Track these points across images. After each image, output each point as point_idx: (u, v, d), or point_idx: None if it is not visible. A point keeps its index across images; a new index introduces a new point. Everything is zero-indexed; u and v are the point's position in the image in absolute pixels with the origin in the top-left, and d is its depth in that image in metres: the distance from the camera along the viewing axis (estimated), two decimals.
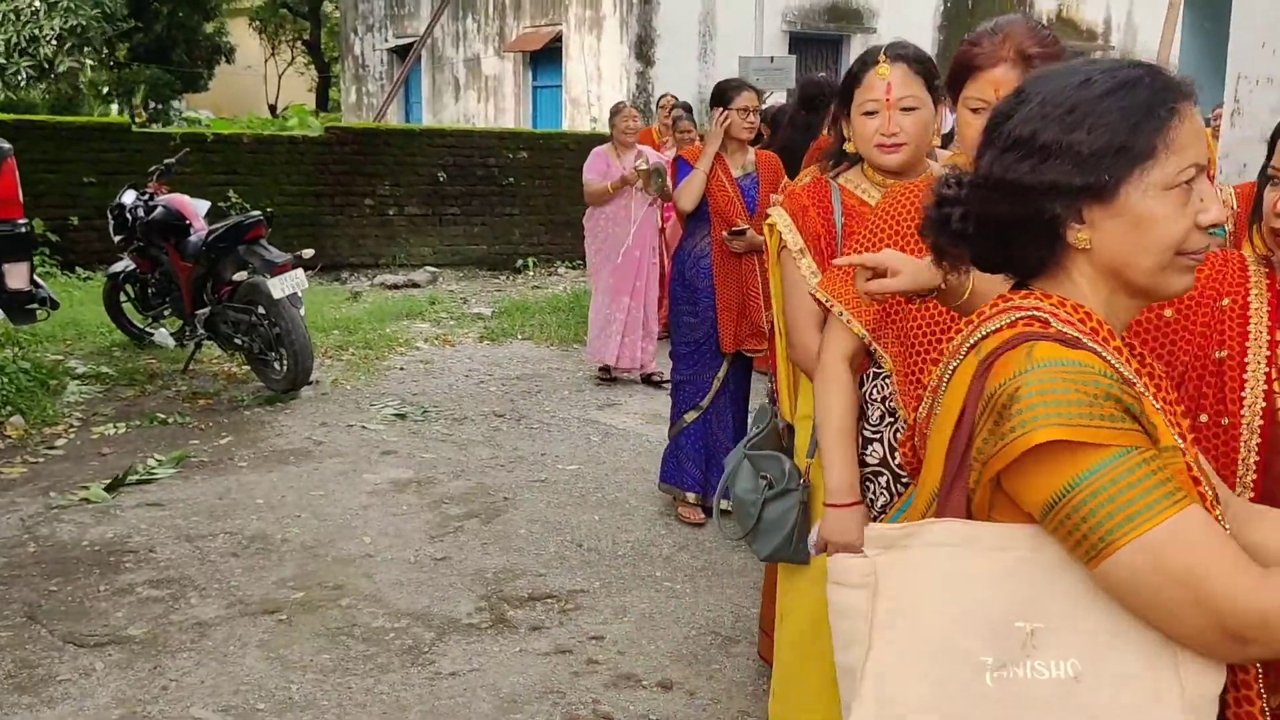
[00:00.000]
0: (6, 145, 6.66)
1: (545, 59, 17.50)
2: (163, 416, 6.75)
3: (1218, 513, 1.32)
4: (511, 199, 13.48)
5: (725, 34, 15.57)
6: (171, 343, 8.25)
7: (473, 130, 14.84)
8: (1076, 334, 1.31)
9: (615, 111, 8.00)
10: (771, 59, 12.93)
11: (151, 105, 23.96)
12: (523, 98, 18.14)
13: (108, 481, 5.55)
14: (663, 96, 10.54)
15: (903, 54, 2.75)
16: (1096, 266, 1.37)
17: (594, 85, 15.92)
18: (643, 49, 15.54)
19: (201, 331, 7.56)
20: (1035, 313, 1.35)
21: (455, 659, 3.95)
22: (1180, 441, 1.33)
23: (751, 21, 12.86)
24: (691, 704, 3.70)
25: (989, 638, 1.30)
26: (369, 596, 4.44)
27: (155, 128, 14.51)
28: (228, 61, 28.69)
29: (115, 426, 6.56)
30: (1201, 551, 1.20)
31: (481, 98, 19.17)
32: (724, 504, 5.26)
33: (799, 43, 16.76)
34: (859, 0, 17.41)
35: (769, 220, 3.01)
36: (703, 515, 5.30)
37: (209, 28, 27.91)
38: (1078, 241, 1.35)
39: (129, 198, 8.15)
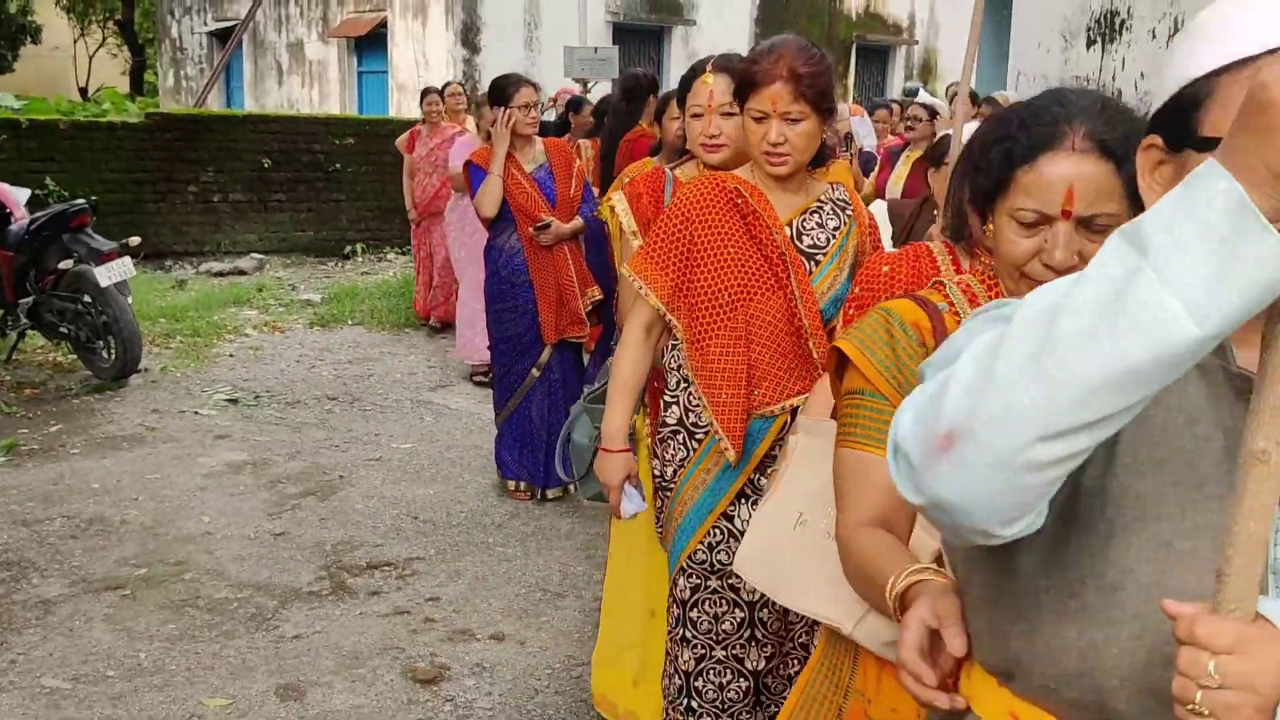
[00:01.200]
0: None
1: (370, 45, 17.47)
2: None
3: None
4: (338, 185, 13.49)
5: (550, 23, 15.85)
6: None
7: (298, 116, 14.77)
8: (928, 296, 1.73)
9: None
10: (595, 50, 13.25)
11: None
12: (348, 83, 18.06)
13: None
14: (448, 84, 10.30)
15: (726, 66, 3.21)
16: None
17: (421, 72, 15.98)
18: (469, 36, 15.70)
19: (25, 321, 7.49)
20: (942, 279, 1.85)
21: (298, 623, 4.19)
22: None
23: (576, 11, 13.13)
24: (522, 651, 4.02)
25: (806, 501, 1.92)
26: (211, 571, 4.62)
27: None
28: (34, 42, 27.51)
29: None
30: (849, 484, 1.62)
31: (306, 83, 18.99)
32: (550, 492, 5.57)
33: (622, 33, 17.17)
34: None
35: (609, 202, 3.42)
36: (528, 496, 5.57)
37: (12, 6, 26.72)
38: (985, 236, 1.72)
39: None
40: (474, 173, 5.54)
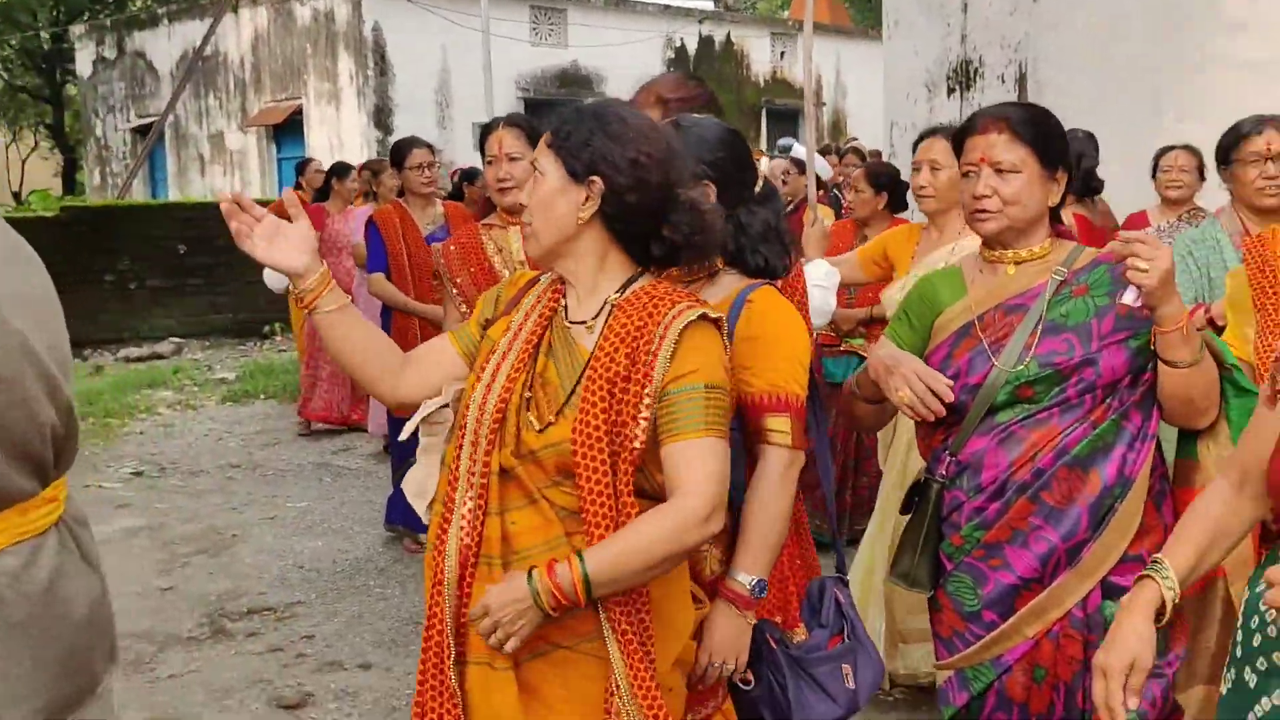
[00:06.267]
0: None
1: (288, 131, 17.84)
2: None
3: None
4: (255, 267, 13.63)
5: (461, 101, 16.31)
6: None
7: (212, 202, 15.01)
8: None
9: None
10: None
11: None
12: (268, 170, 18.39)
13: None
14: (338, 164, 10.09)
15: (514, 121, 3.57)
16: None
17: (337, 154, 16.33)
18: (381, 118, 16.11)
19: None
20: None
21: (174, 665, 4.38)
22: None
23: (486, 88, 13.59)
24: (387, 677, 4.25)
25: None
26: None
27: None
28: None
29: None
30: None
31: (227, 172, 19.30)
32: None
33: (533, 107, 17.65)
34: (588, 66, 18.47)
35: None
36: (419, 548, 5.75)
37: None
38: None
39: None
40: (371, 233, 5.75)
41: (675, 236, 2.00)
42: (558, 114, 2.08)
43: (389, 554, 5.68)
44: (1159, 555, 1.87)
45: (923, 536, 2.40)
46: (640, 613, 1.92)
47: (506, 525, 1.96)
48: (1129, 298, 2.11)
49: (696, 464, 1.90)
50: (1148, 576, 1.85)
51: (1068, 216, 5.15)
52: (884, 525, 3.81)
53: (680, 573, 2.04)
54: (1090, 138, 5.30)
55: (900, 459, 3.76)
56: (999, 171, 2.31)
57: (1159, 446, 2.33)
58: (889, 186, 5.25)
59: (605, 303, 2.02)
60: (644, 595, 1.93)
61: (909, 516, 2.46)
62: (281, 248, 2.13)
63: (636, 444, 1.90)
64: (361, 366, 2.17)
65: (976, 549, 2.32)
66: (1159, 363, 2.20)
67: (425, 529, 5.63)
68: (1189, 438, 2.35)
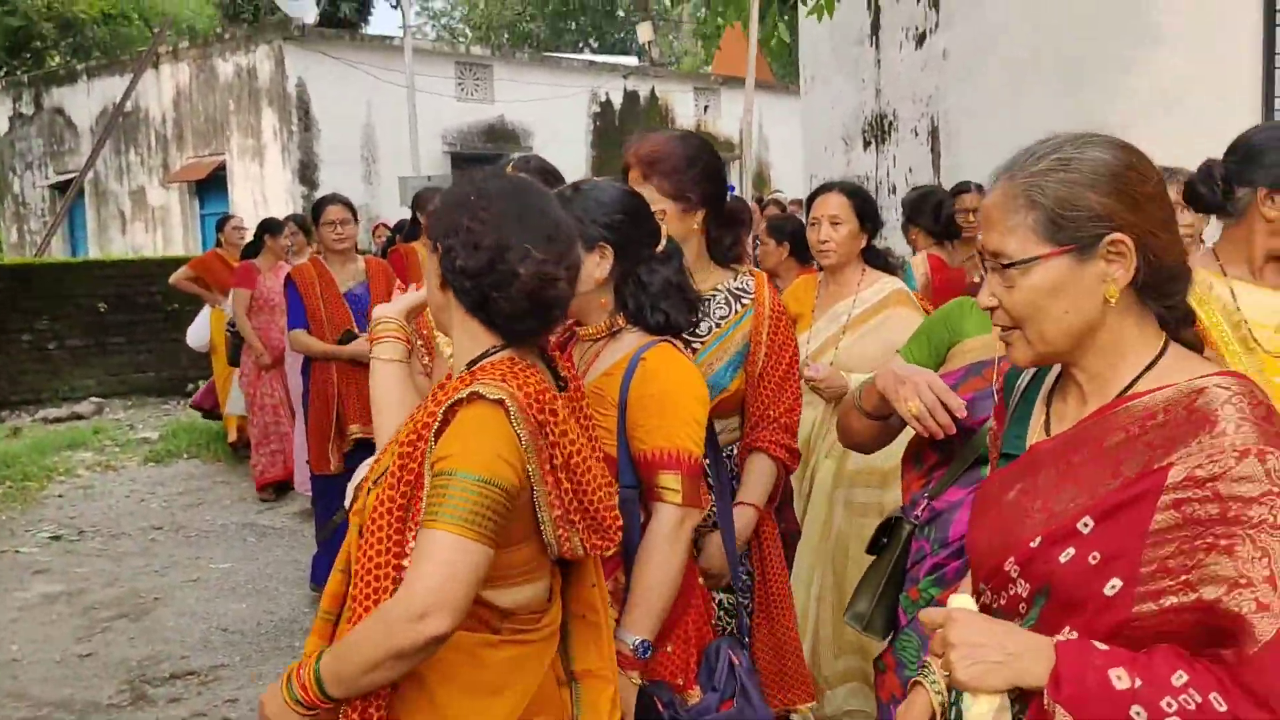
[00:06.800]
0: None
1: (211, 187, 17.71)
2: None
3: None
4: (178, 325, 13.53)
5: (387, 155, 16.33)
6: None
7: (133, 259, 14.86)
8: None
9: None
10: (429, 179, 13.72)
11: None
12: (191, 226, 18.22)
13: None
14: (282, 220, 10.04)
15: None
16: None
17: (261, 210, 16.25)
18: (306, 173, 16.06)
19: None
20: None
21: None
22: None
23: (410, 144, 13.62)
24: None
25: None
26: (13, 694, 4.70)
27: None
28: None
29: None
30: None
31: (150, 228, 19.08)
32: None
33: (461, 161, 17.72)
34: (514, 121, 18.60)
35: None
36: None
37: None
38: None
39: None
40: (290, 290, 5.77)
41: (506, 303, 1.88)
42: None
43: (314, 614, 5.60)
44: (927, 658, 1.71)
45: (884, 580, 2.37)
46: (377, 713, 1.81)
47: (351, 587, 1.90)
48: None
49: (420, 559, 1.75)
50: (918, 683, 1.70)
51: (922, 257, 5.33)
52: (806, 585, 3.70)
53: (479, 662, 1.88)
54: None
55: (820, 514, 3.72)
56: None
57: None
58: (790, 238, 5.38)
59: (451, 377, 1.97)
60: (380, 698, 1.80)
61: (875, 556, 2.43)
62: None
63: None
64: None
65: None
66: None
67: None
68: None
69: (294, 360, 8.27)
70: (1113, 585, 1.43)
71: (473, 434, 1.79)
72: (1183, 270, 1.57)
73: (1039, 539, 1.51)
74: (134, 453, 10.02)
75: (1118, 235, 1.49)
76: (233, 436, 9.29)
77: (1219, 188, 2.64)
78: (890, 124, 8.58)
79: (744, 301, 2.82)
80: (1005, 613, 1.57)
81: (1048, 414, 1.68)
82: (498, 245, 1.85)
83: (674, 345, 2.36)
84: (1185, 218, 4.32)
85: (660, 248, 2.40)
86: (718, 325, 2.78)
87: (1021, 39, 6.86)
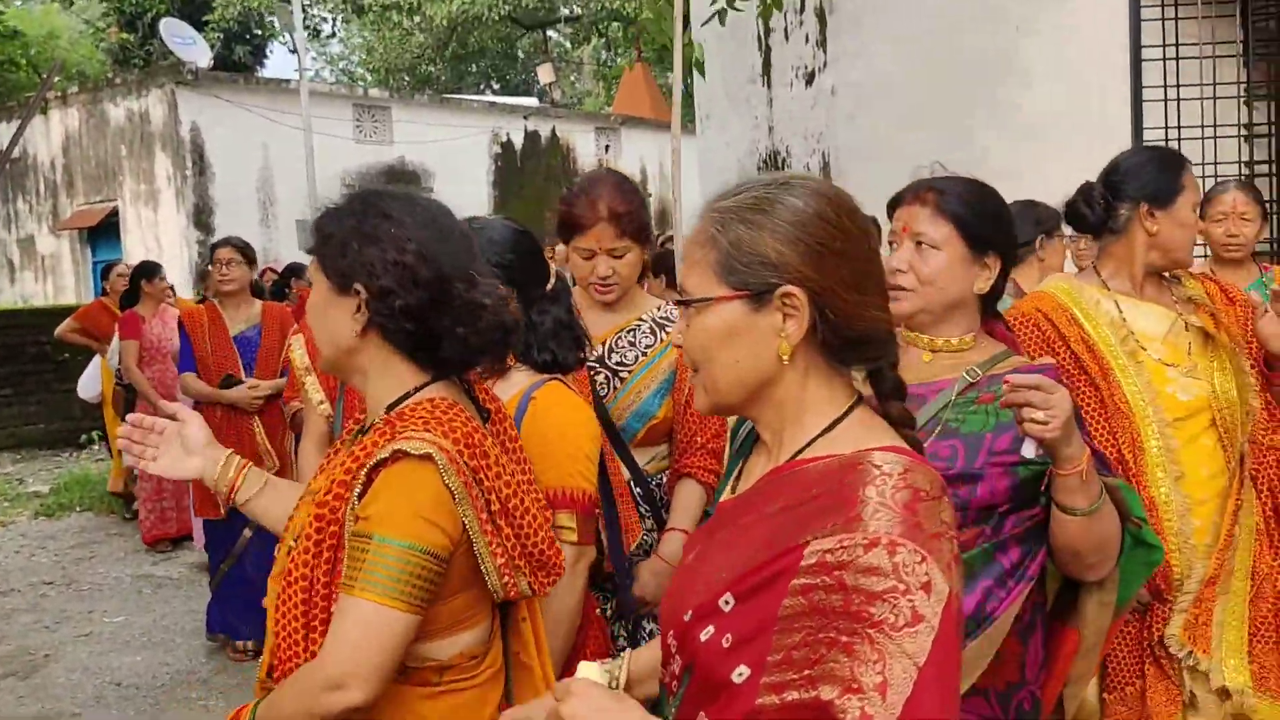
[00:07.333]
0: None
1: (103, 234, 17.32)
2: None
3: None
4: (69, 375, 13.20)
5: (285, 198, 16.13)
6: None
7: (19, 309, 14.49)
8: None
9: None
10: None
11: None
12: (83, 274, 17.78)
13: None
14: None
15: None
16: None
17: (155, 256, 15.93)
18: (201, 218, 15.80)
19: None
20: None
21: None
22: None
23: (308, 186, 13.48)
24: None
25: None
26: None
27: None
28: None
29: None
30: None
31: (39, 277, 18.59)
32: None
33: None
34: (414, 162, 18.54)
35: (289, 347, 3.82)
36: (245, 656, 5.53)
37: None
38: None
39: None
40: (181, 334, 5.74)
41: (456, 337, 1.79)
42: (323, 212, 1.87)
43: (211, 664, 5.52)
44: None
45: None
46: None
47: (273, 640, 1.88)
48: (1028, 451, 1.89)
49: (338, 626, 1.70)
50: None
51: None
52: None
53: (418, 716, 1.83)
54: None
55: None
56: (918, 245, 2.11)
57: (1042, 576, 2.02)
58: (670, 271, 5.54)
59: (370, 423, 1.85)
60: None
61: None
62: (174, 455, 2.07)
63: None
64: None
65: None
66: (1053, 506, 1.93)
67: (248, 636, 5.47)
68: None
69: (186, 404, 8.11)
70: (740, 672, 1.28)
71: (397, 494, 1.69)
72: (878, 337, 1.44)
73: (689, 613, 1.38)
74: (24, 507, 9.74)
75: (790, 288, 1.36)
76: (116, 486, 9.00)
77: (1100, 206, 2.76)
78: (784, 161, 8.74)
79: (668, 330, 2.84)
80: (667, 690, 1.47)
81: (742, 468, 1.58)
82: (439, 278, 1.76)
83: (564, 383, 2.36)
84: (1080, 243, 4.51)
85: (549, 286, 2.42)
86: (644, 354, 2.82)
87: (902, 80, 7.05)
